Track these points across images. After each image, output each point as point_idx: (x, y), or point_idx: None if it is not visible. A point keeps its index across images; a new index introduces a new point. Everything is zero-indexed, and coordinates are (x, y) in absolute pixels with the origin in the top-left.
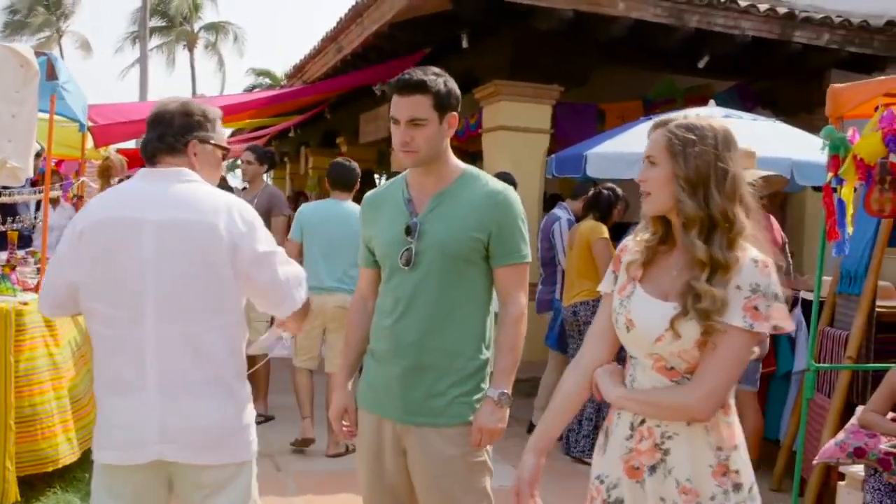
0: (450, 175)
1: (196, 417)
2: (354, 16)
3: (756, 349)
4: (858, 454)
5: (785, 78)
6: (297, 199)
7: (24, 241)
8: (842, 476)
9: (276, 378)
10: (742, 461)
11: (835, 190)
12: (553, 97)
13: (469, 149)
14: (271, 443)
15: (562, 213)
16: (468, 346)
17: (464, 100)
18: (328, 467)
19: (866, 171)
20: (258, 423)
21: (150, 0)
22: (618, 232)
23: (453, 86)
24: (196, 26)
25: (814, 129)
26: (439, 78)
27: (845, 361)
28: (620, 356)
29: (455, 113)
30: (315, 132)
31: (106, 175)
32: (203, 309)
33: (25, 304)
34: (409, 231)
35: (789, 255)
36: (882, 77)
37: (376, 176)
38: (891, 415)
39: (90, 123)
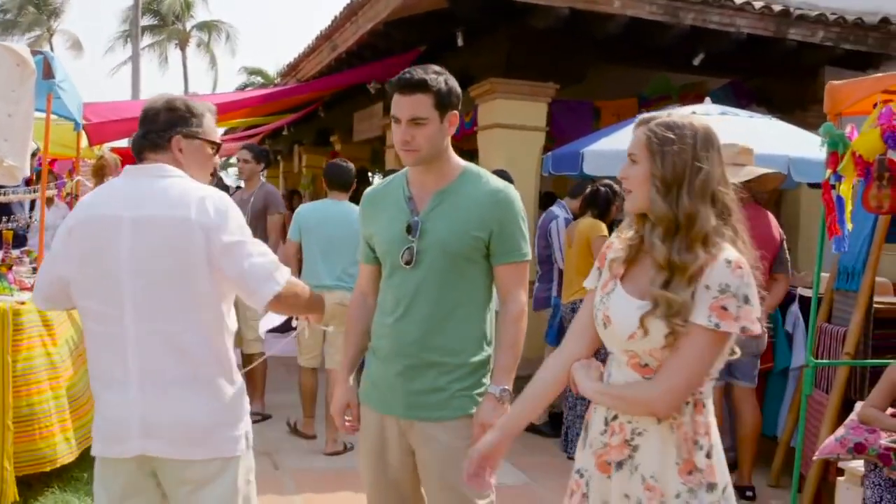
0: (451, 173)
1: (176, 413)
2: (349, 14)
3: (737, 349)
4: (858, 450)
5: (779, 75)
6: (291, 197)
7: (19, 240)
8: (841, 472)
9: (272, 377)
10: (716, 460)
11: (833, 187)
12: (549, 95)
13: (464, 147)
14: (269, 441)
15: (559, 211)
16: (470, 343)
17: None
18: (326, 465)
19: (865, 168)
20: (255, 421)
21: None
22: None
23: (454, 84)
24: (188, 25)
25: (808, 126)
26: (440, 76)
27: (843, 357)
28: (603, 355)
29: (456, 111)
30: (309, 130)
31: (100, 174)
32: (181, 305)
33: (22, 303)
34: (409, 230)
35: (786, 251)
36: (880, 74)
37: (371, 174)
38: (890, 410)
39: (84, 122)
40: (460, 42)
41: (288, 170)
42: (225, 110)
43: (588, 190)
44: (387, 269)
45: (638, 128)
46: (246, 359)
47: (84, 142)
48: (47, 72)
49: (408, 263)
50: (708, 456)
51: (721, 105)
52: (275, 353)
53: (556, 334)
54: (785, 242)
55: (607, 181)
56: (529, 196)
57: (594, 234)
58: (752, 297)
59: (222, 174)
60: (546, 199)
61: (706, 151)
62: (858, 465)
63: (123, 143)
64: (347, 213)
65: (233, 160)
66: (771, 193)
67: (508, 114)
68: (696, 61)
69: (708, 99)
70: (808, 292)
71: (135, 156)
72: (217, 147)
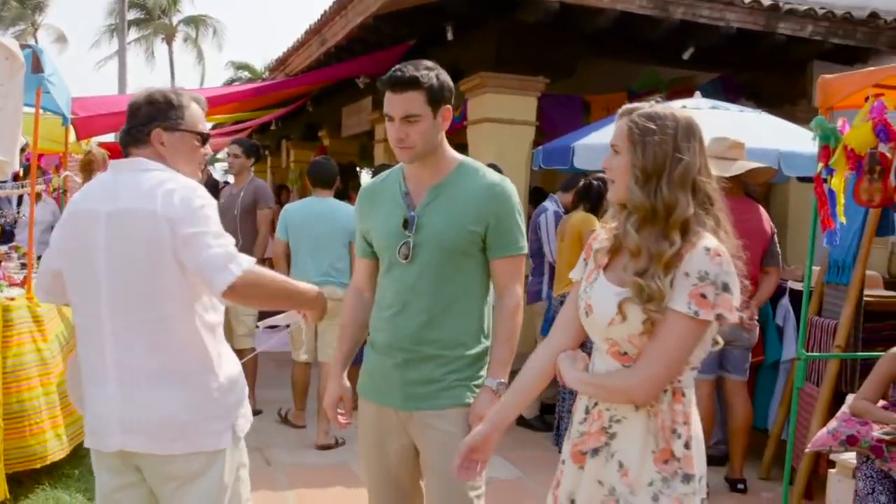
0: (447, 167)
1: (154, 408)
2: (339, 8)
3: (720, 339)
4: (851, 442)
5: (768, 69)
6: (279, 192)
7: (7, 236)
8: (831, 464)
9: (263, 372)
10: (695, 451)
11: (825, 180)
12: (539, 89)
13: (453, 141)
14: (260, 436)
15: (550, 204)
16: (467, 337)
17: None
18: (319, 461)
19: (856, 161)
20: None
21: None
22: None
23: (446, 78)
24: (175, 19)
25: (797, 120)
26: (431, 72)
27: (834, 350)
28: (590, 346)
29: (449, 106)
30: (297, 125)
31: (88, 169)
32: (154, 299)
33: (12, 299)
34: (406, 224)
35: (777, 245)
36: (871, 68)
37: (359, 169)
38: (882, 402)
39: (72, 116)
40: (450, 36)
41: (276, 165)
42: (212, 105)
43: (580, 184)
44: (384, 264)
45: (620, 118)
46: (236, 354)
47: (72, 136)
48: (36, 66)
49: (405, 258)
50: (686, 446)
51: (710, 99)
52: (266, 349)
53: (550, 327)
54: (776, 236)
55: (599, 175)
56: (519, 190)
57: (586, 229)
58: (732, 285)
59: (209, 168)
60: (534, 194)
61: (687, 142)
62: (850, 457)
63: (111, 137)
64: (332, 210)
65: (221, 155)
66: (761, 187)
67: (498, 108)
68: (686, 55)
69: (698, 93)
70: (798, 285)
71: (122, 152)
72: (204, 138)
